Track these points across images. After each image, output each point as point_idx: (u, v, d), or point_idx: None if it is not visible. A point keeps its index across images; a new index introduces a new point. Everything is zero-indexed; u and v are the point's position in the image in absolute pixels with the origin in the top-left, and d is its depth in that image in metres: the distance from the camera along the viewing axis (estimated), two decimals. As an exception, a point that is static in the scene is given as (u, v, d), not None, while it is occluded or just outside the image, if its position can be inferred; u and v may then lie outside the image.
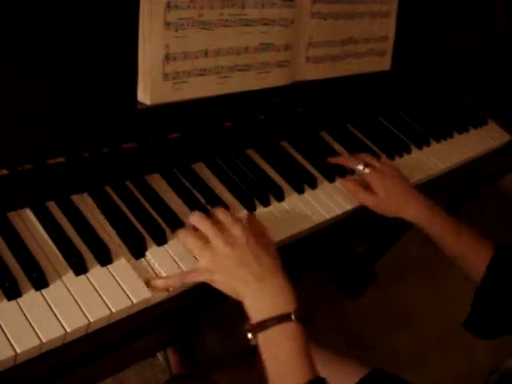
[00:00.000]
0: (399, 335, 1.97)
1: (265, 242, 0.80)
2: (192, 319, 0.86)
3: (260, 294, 0.74)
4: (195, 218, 0.81)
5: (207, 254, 0.77)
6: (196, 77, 0.85)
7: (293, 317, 0.73)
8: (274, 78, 0.97)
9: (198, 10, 0.82)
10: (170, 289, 0.78)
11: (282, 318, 0.72)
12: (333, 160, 1.11)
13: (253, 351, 1.31)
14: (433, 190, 1.27)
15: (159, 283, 0.77)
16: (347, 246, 1.24)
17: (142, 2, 0.76)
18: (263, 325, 0.73)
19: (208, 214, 0.83)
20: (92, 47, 0.78)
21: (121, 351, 0.77)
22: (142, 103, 0.82)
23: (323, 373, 1.08)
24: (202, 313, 0.86)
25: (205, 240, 0.78)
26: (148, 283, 0.77)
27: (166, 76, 0.81)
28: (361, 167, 1.06)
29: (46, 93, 0.76)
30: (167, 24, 0.79)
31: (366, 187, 1.06)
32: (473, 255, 0.98)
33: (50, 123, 0.78)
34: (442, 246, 1.02)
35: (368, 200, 1.04)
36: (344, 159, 1.11)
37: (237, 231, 0.78)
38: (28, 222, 0.80)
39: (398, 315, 2.03)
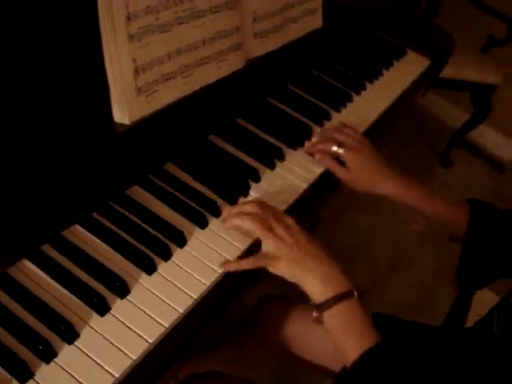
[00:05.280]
0: (355, 264, 2.06)
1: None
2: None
3: (322, 277, 0.80)
4: (253, 207, 0.86)
5: (273, 241, 0.82)
6: (164, 83, 0.82)
7: (355, 294, 0.80)
8: (232, 64, 0.95)
9: (154, 14, 0.77)
10: None
11: (345, 296, 0.79)
12: (308, 150, 1.11)
13: (236, 329, 1.33)
14: (377, 129, 1.32)
15: (232, 266, 0.83)
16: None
17: (101, 23, 0.71)
18: (329, 303, 0.79)
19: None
20: (58, 82, 0.73)
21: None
22: (119, 124, 0.78)
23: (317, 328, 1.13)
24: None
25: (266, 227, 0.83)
26: (222, 264, 0.83)
27: (139, 90, 0.77)
28: (335, 149, 1.06)
29: (22, 138, 0.71)
30: (131, 37, 0.74)
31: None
32: (452, 217, 1.02)
33: (24, 165, 0.73)
34: (421, 214, 1.05)
35: (345, 176, 1.06)
36: (318, 148, 1.10)
37: (290, 221, 0.86)
38: (31, 274, 0.75)
39: (351, 246, 2.12)
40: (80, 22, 0.76)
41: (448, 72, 2.42)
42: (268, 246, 0.83)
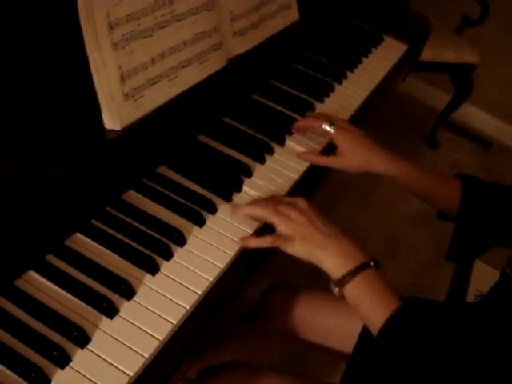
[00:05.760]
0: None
1: None
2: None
3: (339, 253, 0.82)
4: (263, 202, 0.89)
5: (288, 224, 0.84)
6: (150, 87, 0.84)
7: (372, 263, 0.82)
8: (214, 63, 0.97)
9: (135, 21, 0.79)
10: None
11: (363, 267, 0.81)
12: (298, 126, 1.13)
13: (241, 320, 1.35)
14: (361, 116, 1.35)
15: (253, 242, 0.86)
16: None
17: (85, 34, 0.73)
18: (349, 277, 0.80)
19: None
20: (48, 95, 0.75)
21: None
22: (110, 130, 0.80)
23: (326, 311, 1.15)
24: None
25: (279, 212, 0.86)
26: (242, 239, 0.87)
27: (126, 96, 0.79)
28: (327, 127, 1.08)
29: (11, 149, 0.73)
30: (115, 45, 0.76)
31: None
32: (443, 191, 1.05)
33: (22, 179, 0.74)
34: (412, 188, 1.08)
35: (335, 163, 1.08)
36: (309, 122, 1.12)
37: (301, 202, 0.88)
38: (39, 284, 0.77)
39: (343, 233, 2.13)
40: (65, 36, 0.78)
41: (426, 55, 2.44)
42: (281, 228, 0.85)
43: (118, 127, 0.80)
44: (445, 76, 2.64)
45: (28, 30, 0.81)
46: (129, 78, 0.79)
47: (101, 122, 0.80)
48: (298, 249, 0.84)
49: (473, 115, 2.99)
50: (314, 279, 1.02)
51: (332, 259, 0.82)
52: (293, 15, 1.22)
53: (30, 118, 0.78)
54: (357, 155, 1.06)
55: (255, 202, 0.91)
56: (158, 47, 0.84)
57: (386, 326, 0.77)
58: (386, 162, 1.06)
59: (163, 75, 0.86)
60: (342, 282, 0.81)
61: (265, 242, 0.86)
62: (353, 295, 0.81)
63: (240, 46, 1.05)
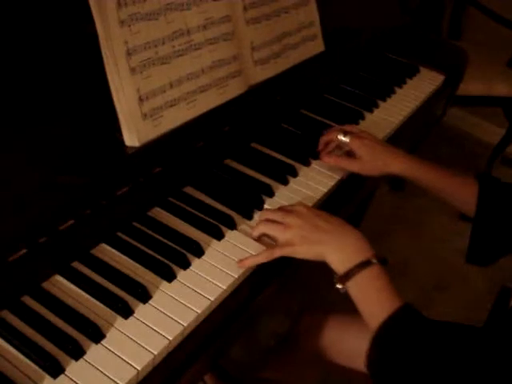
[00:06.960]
0: (400, 284, 2.06)
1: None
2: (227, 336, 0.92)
3: (341, 249, 0.84)
4: (267, 212, 0.95)
5: (285, 231, 0.88)
6: (168, 109, 0.91)
7: (374, 260, 0.83)
8: (233, 89, 1.04)
9: (153, 49, 0.88)
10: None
11: (365, 264, 0.82)
12: (321, 142, 1.19)
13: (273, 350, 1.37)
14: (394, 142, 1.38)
15: (248, 261, 0.89)
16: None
17: (105, 59, 0.82)
18: (351, 273, 0.82)
19: None
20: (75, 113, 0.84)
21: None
22: (130, 147, 0.88)
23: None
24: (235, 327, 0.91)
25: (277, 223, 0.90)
26: (239, 262, 0.89)
27: (144, 116, 0.87)
28: (342, 136, 1.14)
29: (43, 164, 0.82)
30: (132, 70, 0.84)
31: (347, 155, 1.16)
32: (460, 190, 1.06)
33: (53, 192, 0.82)
34: (431, 189, 1.10)
35: (354, 166, 1.12)
36: (327, 136, 1.18)
37: (299, 208, 0.91)
38: (62, 287, 0.84)
39: (393, 267, 2.12)
40: (92, 61, 0.87)
41: (478, 89, 2.45)
42: (280, 236, 0.89)
43: (136, 144, 0.87)
44: (498, 110, 2.62)
45: (60, 56, 0.91)
46: (147, 99, 0.87)
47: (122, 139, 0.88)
48: (300, 251, 0.87)
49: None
50: (340, 303, 1.04)
51: (336, 254, 0.84)
52: (317, 47, 1.28)
53: (61, 139, 0.87)
54: (374, 158, 1.10)
55: (260, 218, 0.95)
56: (175, 73, 0.92)
57: (385, 325, 0.78)
58: (404, 162, 1.09)
59: (181, 98, 0.93)
60: (345, 277, 0.83)
61: (262, 258, 0.89)
62: (354, 291, 0.83)
63: (261, 74, 1.12)
